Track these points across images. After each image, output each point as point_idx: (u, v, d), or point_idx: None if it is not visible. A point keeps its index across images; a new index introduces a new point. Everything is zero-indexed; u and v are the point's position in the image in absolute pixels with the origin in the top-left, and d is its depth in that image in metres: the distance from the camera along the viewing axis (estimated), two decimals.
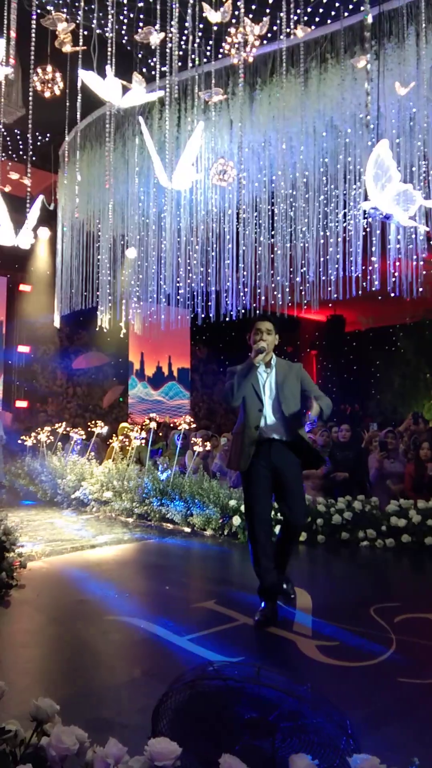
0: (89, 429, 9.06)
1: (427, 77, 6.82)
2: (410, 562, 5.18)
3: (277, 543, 3.78)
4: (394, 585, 4.62)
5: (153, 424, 8.20)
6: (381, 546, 5.48)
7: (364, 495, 6.08)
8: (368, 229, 7.64)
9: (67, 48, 5.94)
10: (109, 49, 6.01)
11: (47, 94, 5.78)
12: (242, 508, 5.78)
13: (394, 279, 7.82)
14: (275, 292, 8.72)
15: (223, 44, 6.20)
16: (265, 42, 7.07)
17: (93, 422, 9.43)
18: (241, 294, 8.97)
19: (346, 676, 2.86)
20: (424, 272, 7.75)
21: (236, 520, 5.81)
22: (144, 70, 7.16)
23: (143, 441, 7.77)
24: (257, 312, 9.21)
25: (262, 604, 3.57)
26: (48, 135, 9.80)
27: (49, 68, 5.74)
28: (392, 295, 7.94)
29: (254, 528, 3.65)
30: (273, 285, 8.78)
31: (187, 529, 6.25)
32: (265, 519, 3.65)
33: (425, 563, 5.15)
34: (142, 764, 1.38)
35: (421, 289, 7.77)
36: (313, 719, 1.56)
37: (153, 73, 6.93)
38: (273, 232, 8.51)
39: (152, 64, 6.96)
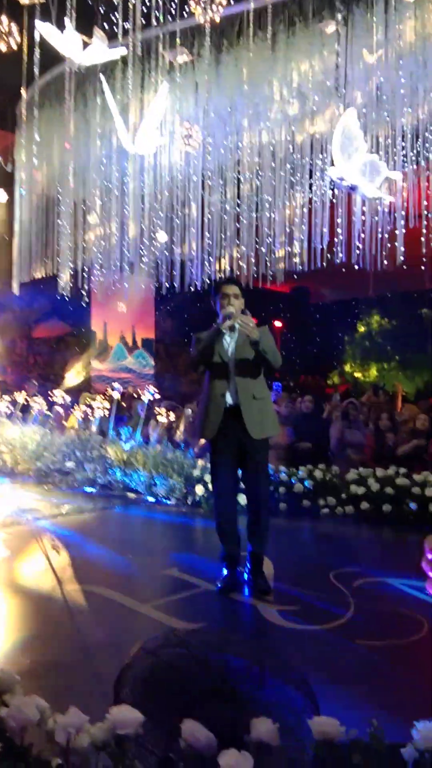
0: (50, 399, 8.91)
1: (395, 46, 6.74)
2: (369, 529, 5.31)
3: (247, 526, 3.65)
4: (353, 551, 4.74)
5: (116, 394, 8.11)
6: (341, 513, 5.61)
7: (325, 464, 6.18)
8: (334, 201, 7.61)
9: None
10: (69, 1, 5.74)
11: (3, 48, 5.50)
12: (206, 477, 5.82)
13: (358, 252, 7.83)
14: (241, 262, 8.65)
15: (189, 2, 5.98)
16: (232, 2, 6.85)
17: (54, 392, 9.28)
18: (207, 264, 8.87)
19: (306, 639, 2.93)
20: (389, 245, 7.79)
21: (199, 490, 5.84)
22: (106, 26, 6.86)
23: (106, 411, 7.69)
24: None
25: (224, 571, 3.60)
26: (5, 92, 9.37)
27: (5, 19, 5.46)
28: (356, 267, 7.96)
29: (218, 496, 3.67)
30: (238, 255, 8.70)
31: (151, 499, 6.26)
32: (229, 487, 3.66)
33: (383, 529, 5.29)
34: (104, 732, 1.38)
35: (384, 262, 7.81)
36: (274, 683, 1.59)
37: (115, 29, 6.65)
38: (239, 201, 8.40)
39: (115, 20, 6.67)
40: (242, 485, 3.79)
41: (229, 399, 3.53)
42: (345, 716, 1.51)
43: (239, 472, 3.69)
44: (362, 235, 7.53)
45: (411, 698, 2.29)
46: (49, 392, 9.35)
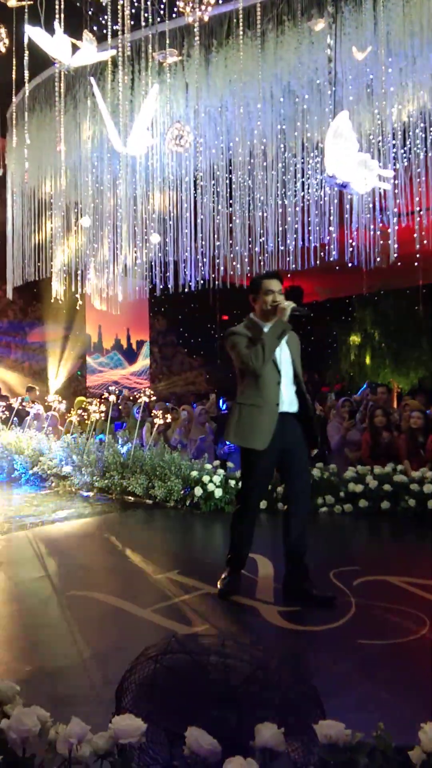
0: (46, 403, 8.87)
1: (384, 43, 6.73)
2: (367, 527, 5.30)
3: (294, 530, 3.43)
4: (353, 549, 4.73)
5: (112, 398, 8.09)
6: (339, 511, 5.59)
7: (323, 463, 6.17)
8: (326, 199, 7.60)
9: (13, 2, 5.62)
10: (58, 4, 5.71)
11: None
12: (204, 478, 5.82)
13: (351, 249, 7.82)
14: (234, 263, 8.63)
15: (178, 2, 5.96)
16: (220, 1, 6.85)
17: (50, 396, 9.24)
18: (200, 264, 8.84)
19: (309, 640, 2.91)
20: (381, 242, 7.78)
21: (198, 491, 5.82)
22: (95, 28, 6.83)
23: (102, 414, 7.66)
24: (216, 282, 9.10)
25: (226, 573, 3.57)
26: None
27: None
28: (349, 265, 7.96)
29: (250, 500, 3.52)
30: (232, 255, 8.68)
31: (149, 502, 6.23)
32: (263, 495, 3.74)
33: (381, 527, 5.28)
34: (106, 741, 1.35)
35: (377, 260, 7.81)
36: (277, 687, 1.57)
37: (105, 31, 6.62)
38: (231, 201, 8.38)
39: (104, 22, 6.65)
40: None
41: (287, 407, 3.40)
42: (350, 718, 1.50)
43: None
44: (355, 233, 7.53)
45: (416, 698, 2.27)
46: (45, 397, 9.32)
